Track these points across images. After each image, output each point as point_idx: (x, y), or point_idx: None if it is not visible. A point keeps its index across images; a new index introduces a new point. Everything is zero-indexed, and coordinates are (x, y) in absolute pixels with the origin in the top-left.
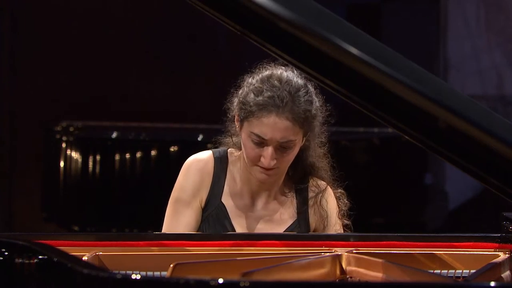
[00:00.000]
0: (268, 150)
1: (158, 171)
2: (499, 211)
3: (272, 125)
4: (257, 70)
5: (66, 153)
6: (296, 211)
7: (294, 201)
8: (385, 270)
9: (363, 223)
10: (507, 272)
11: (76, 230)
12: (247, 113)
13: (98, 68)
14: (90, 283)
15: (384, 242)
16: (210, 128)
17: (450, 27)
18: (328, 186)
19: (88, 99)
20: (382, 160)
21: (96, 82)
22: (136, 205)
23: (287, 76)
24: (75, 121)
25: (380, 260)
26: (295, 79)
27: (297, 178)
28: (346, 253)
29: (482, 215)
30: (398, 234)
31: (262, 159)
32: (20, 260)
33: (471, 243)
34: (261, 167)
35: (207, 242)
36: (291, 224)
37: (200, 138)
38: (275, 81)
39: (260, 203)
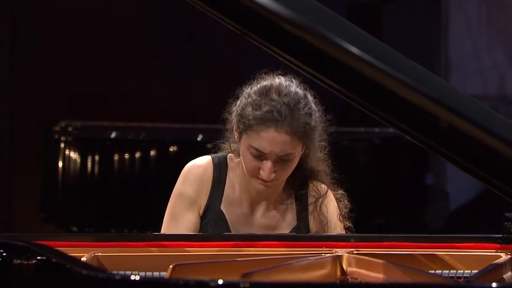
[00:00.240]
0: (267, 164)
1: (158, 171)
2: (501, 211)
3: (271, 140)
4: (255, 81)
5: (64, 153)
6: (296, 217)
7: (294, 207)
8: (386, 271)
9: (363, 223)
10: (509, 273)
11: (75, 231)
12: (246, 127)
13: (98, 68)
14: (89, 284)
15: (385, 243)
16: (210, 128)
17: (452, 27)
18: (329, 190)
19: (87, 99)
20: (383, 160)
21: (95, 82)
22: (135, 206)
23: (286, 87)
24: (73, 121)
25: (381, 261)
26: (294, 90)
27: (297, 185)
28: (346, 254)
29: (483, 215)
30: (399, 235)
31: (261, 171)
32: (19, 261)
33: (472, 244)
34: (260, 179)
35: (207, 242)
36: (291, 231)
37: (199, 138)
38: (273, 94)
39: (259, 211)
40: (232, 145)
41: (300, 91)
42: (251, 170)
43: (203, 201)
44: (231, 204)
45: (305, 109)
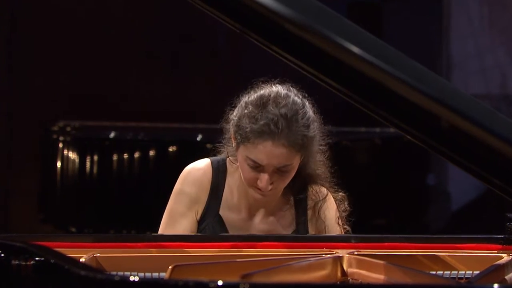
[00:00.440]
0: (265, 176)
1: (157, 172)
2: (503, 212)
3: (268, 153)
4: (252, 90)
5: (63, 153)
6: (295, 222)
7: (293, 212)
8: (387, 272)
9: (364, 224)
10: (511, 274)
11: (73, 231)
12: (243, 138)
13: (97, 68)
14: (87, 285)
15: (386, 244)
16: (209, 128)
17: (453, 26)
18: (329, 193)
19: (86, 99)
20: (383, 161)
21: (94, 82)
22: (134, 206)
23: (283, 97)
24: (72, 120)
25: (381, 262)
26: (291, 100)
27: (297, 189)
28: (347, 255)
29: (485, 216)
30: (400, 236)
31: (259, 182)
32: (17, 262)
33: (474, 244)
34: (258, 188)
35: (206, 243)
36: None
37: (199, 138)
38: (271, 106)
39: (258, 216)
40: (230, 151)
41: (298, 100)
42: (248, 180)
43: (201, 204)
44: (229, 209)
45: (303, 120)
